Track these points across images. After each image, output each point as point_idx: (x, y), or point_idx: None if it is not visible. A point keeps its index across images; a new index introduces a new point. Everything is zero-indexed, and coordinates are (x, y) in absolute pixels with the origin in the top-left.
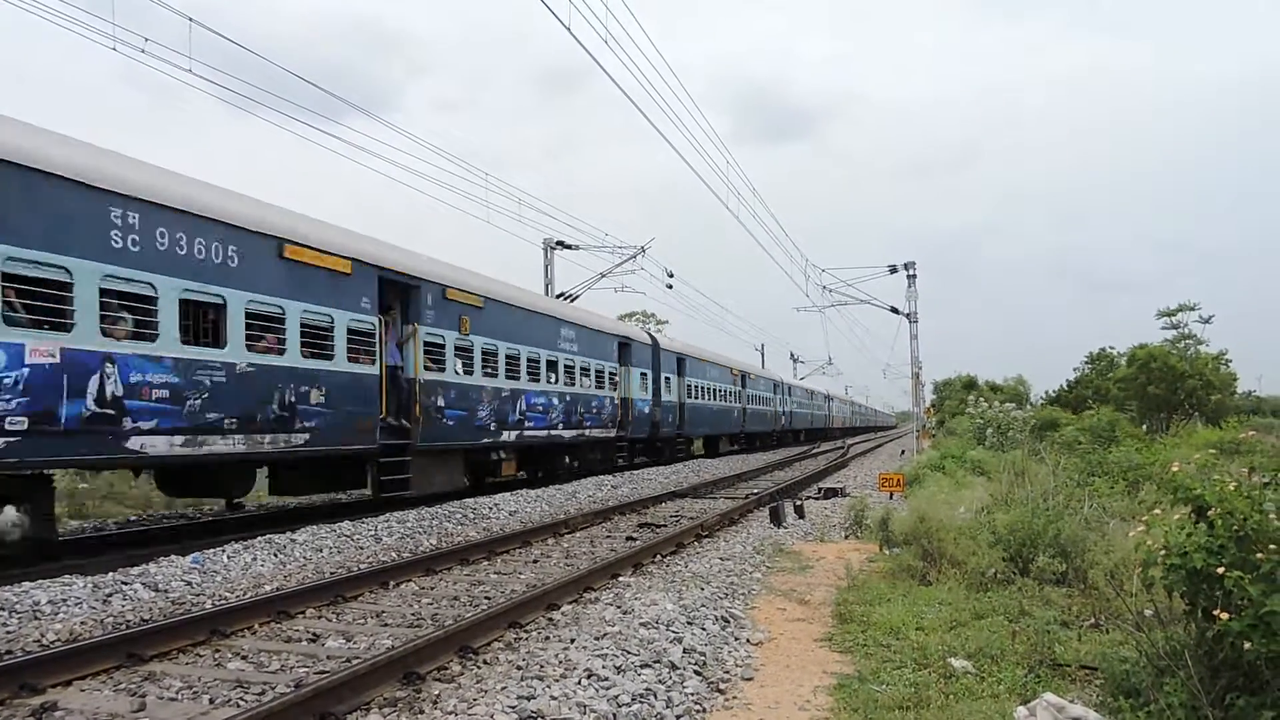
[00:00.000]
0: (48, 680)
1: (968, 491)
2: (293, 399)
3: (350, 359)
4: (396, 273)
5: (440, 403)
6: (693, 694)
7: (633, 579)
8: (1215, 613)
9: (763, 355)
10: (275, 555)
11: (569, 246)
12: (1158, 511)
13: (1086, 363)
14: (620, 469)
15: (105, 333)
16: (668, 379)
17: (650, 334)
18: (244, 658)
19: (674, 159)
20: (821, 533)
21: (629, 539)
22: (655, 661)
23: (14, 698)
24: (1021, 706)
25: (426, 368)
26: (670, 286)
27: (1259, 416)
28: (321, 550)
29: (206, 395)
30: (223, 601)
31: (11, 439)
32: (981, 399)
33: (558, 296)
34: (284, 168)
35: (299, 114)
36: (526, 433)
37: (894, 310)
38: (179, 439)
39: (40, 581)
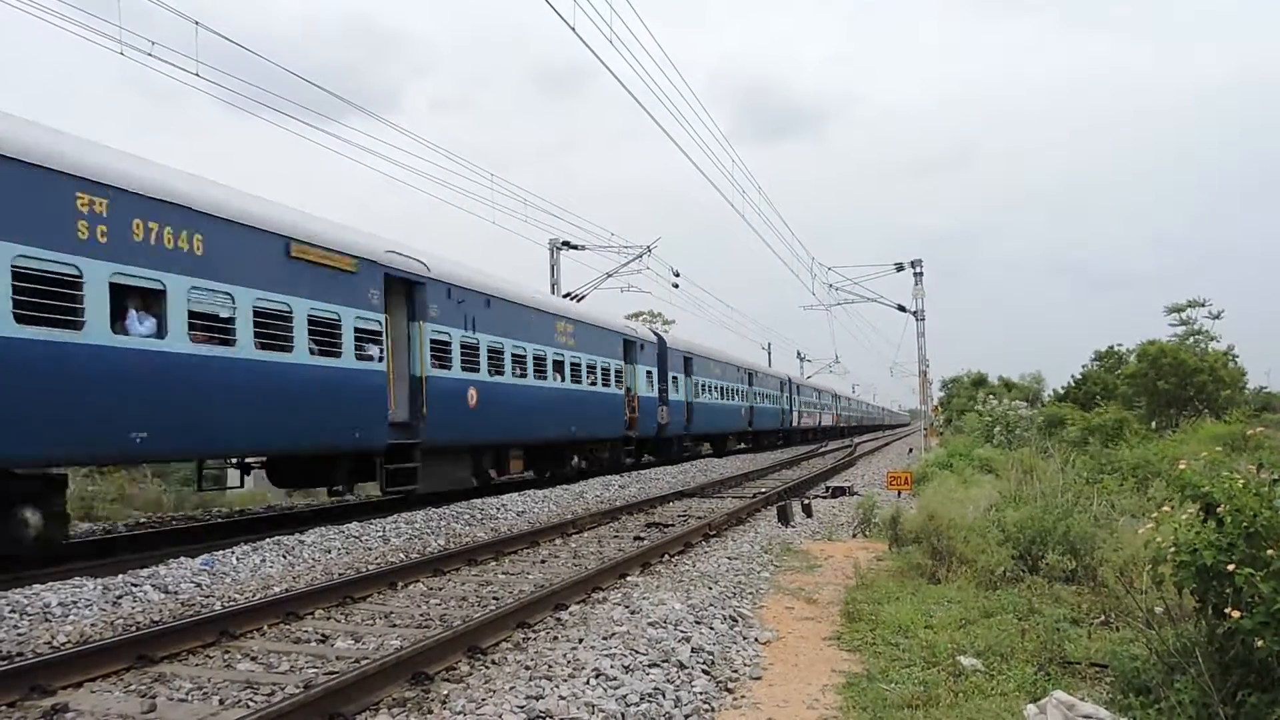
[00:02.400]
0: (58, 682)
1: (976, 490)
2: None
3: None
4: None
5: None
6: (701, 693)
7: (640, 579)
8: (1226, 610)
9: (769, 354)
10: (284, 556)
11: (575, 247)
12: (1167, 509)
13: (1094, 360)
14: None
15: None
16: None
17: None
18: (253, 659)
19: (679, 159)
20: (829, 531)
21: (637, 539)
22: (663, 661)
23: (25, 699)
24: (1031, 704)
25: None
26: (676, 286)
27: (1270, 413)
28: (330, 551)
29: None
30: (232, 603)
31: None
32: (991, 396)
33: (564, 296)
34: (286, 168)
35: (300, 114)
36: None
37: (901, 308)
38: None
39: (51, 583)
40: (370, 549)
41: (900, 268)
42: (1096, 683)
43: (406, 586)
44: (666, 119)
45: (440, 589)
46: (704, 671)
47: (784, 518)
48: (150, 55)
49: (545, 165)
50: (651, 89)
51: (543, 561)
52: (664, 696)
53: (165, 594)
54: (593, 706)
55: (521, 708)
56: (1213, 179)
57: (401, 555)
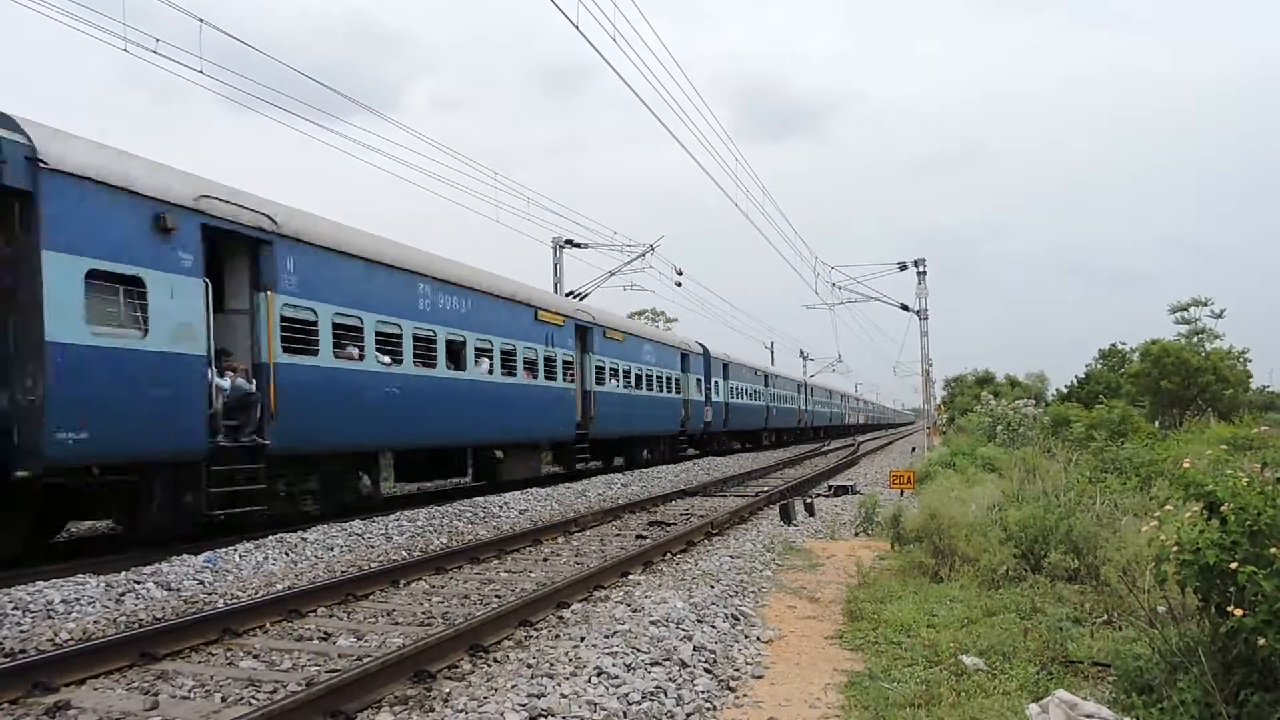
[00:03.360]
0: (61, 679)
1: (979, 488)
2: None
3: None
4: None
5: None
6: (703, 691)
7: (643, 577)
8: (1229, 609)
9: (772, 353)
10: (287, 554)
11: (578, 245)
12: (1170, 507)
13: (1098, 358)
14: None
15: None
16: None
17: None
18: (256, 656)
19: (682, 157)
20: (832, 530)
21: (639, 537)
22: (665, 659)
23: (27, 696)
24: (1034, 704)
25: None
26: (679, 284)
27: (1274, 413)
28: (333, 549)
29: None
30: (235, 600)
31: None
32: (994, 395)
33: (567, 295)
34: (287, 166)
35: (304, 112)
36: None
37: (904, 307)
38: None
39: (54, 580)
40: (373, 547)
41: (903, 266)
42: (1099, 682)
43: (409, 584)
44: (670, 117)
45: (442, 587)
46: (706, 670)
47: (786, 516)
48: (155, 52)
49: (549, 164)
50: (655, 87)
51: (545, 560)
52: (666, 695)
53: (168, 591)
54: (595, 705)
55: (523, 705)
56: (1217, 178)
57: (404, 553)
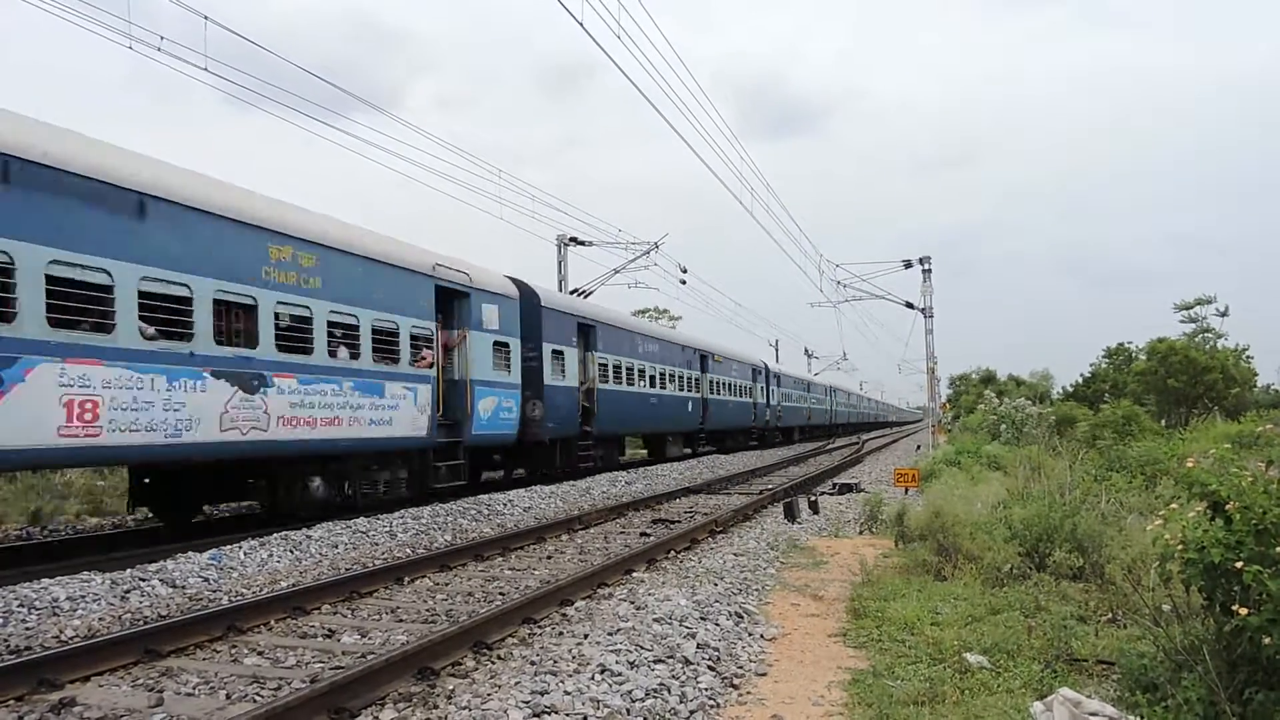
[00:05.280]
0: (66, 676)
1: (984, 486)
2: None
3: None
4: None
5: None
6: (706, 689)
7: (646, 574)
8: (1234, 607)
9: (777, 351)
10: (291, 552)
11: (582, 243)
12: (1175, 506)
13: (1104, 357)
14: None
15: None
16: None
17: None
18: (260, 653)
19: (687, 155)
20: (836, 528)
21: (643, 535)
22: (669, 657)
23: (33, 693)
24: (1038, 702)
25: None
26: (684, 282)
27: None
28: (337, 546)
29: None
30: (239, 598)
31: None
32: (1001, 393)
33: (571, 293)
34: (291, 166)
35: (308, 110)
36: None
37: (909, 305)
38: None
39: (59, 578)
40: (377, 544)
41: (909, 264)
42: (1103, 680)
43: (413, 582)
44: (675, 115)
45: (447, 584)
46: (709, 668)
47: (791, 514)
48: (159, 50)
49: (553, 162)
50: (660, 85)
51: (549, 557)
52: (669, 692)
53: (173, 589)
54: (598, 702)
55: (527, 703)
56: (1220, 177)
57: (408, 550)
